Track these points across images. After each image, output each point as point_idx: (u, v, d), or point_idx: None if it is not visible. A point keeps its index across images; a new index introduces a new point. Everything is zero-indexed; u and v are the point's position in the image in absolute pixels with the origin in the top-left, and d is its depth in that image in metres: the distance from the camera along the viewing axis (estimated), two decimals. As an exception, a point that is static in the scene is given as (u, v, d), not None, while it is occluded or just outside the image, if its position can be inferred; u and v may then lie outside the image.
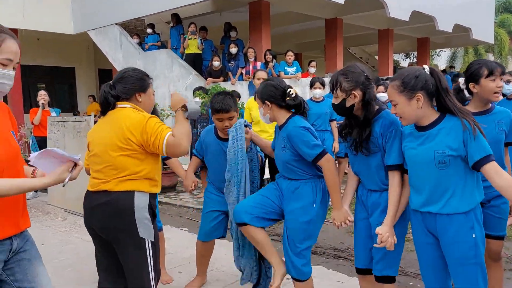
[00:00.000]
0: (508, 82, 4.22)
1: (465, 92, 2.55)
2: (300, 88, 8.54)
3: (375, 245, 2.18)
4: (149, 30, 10.74)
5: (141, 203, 2.21)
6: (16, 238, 1.74)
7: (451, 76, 10.31)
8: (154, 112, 2.77)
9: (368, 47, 18.43)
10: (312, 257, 3.85)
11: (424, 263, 2.16)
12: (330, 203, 2.56)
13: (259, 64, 8.48)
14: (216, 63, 8.58)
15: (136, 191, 2.21)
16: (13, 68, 1.66)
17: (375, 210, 2.31)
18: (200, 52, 9.40)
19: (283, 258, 2.67)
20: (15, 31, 10.42)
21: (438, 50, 22.29)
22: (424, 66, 2.07)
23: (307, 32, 14.29)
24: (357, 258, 2.45)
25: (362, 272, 2.44)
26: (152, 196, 2.32)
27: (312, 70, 8.64)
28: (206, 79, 8.81)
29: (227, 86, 7.87)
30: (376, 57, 17.23)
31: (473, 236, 1.97)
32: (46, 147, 2.54)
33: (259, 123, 4.81)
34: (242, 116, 5.36)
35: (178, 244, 4.34)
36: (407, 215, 2.27)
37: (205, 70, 9.18)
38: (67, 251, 4.27)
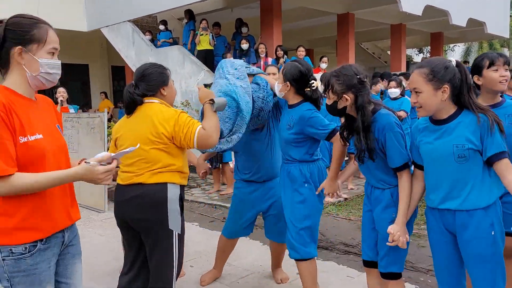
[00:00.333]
0: None
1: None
2: (311, 84, 8.53)
3: (387, 243, 2.18)
4: (161, 27, 10.80)
5: (173, 195, 2.30)
6: (67, 231, 1.75)
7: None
8: None
9: (380, 42, 18.24)
10: (322, 252, 3.91)
11: (439, 262, 2.12)
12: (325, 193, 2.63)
13: (270, 60, 8.47)
14: (229, 60, 8.62)
15: (169, 183, 2.29)
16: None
17: (377, 205, 2.31)
18: (212, 48, 9.41)
19: None
20: (30, 29, 10.58)
21: (452, 45, 21.97)
22: (451, 59, 2.02)
23: (318, 27, 14.21)
24: (363, 250, 2.47)
25: (367, 264, 2.44)
26: (182, 188, 2.40)
27: (323, 65, 8.60)
28: (217, 75, 8.85)
29: (238, 82, 7.88)
30: (389, 52, 17.07)
31: (492, 233, 1.93)
32: None
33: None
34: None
35: (190, 238, 4.37)
36: (414, 213, 2.26)
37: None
38: (82, 244, 4.32)
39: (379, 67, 16.97)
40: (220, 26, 9.83)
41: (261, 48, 8.44)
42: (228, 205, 5.72)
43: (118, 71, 14.89)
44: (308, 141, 2.66)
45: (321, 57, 8.75)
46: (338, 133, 2.49)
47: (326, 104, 2.34)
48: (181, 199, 2.38)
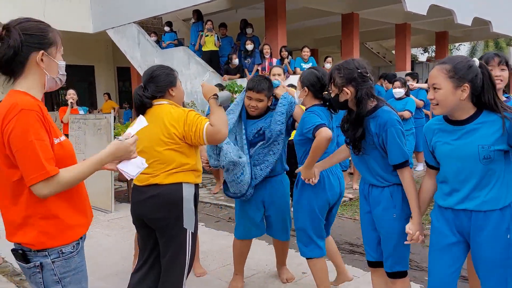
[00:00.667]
0: None
1: None
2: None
3: (406, 242, 2.19)
4: (166, 28, 10.86)
5: (188, 194, 2.37)
6: None
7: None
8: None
9: (385, 42, 18.22)
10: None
11: (437, 264, 2.08)
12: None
13: (274, 60, 8.49)
14: (236, 61, 8.67)
15: (184, 182, 2.36)
16: None
17: (376, 206, 2.31)
18: (217, 49, 9.46)
19: None
20: (36, 31, 10.68)
21: (457, 44, 21.88)
22: (475, 59, 1.97)
23: (322, 27, 14.21)
24: (366, 251, 2.48)
25: (372, 265, 2.46)
26: (196, 186, 2.46)
27: (328, 65, 8.60)
28: (222, 76, 8.89)
29: (244, 83, 7.92)
30: (393, 51, 17.03)
31: (508, 236, 1.89)
32: None
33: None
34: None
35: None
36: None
37: (223, 67, 9.25)
38: (89, 244, 4.33)
39: (383, 66, 16.95)
40: (226, 27, 9.87)
41: (266, 49, 8.46)
42: (233, 205, 5.76)
43: (124, 72, 15.00)
44: (309, 142, 2.67)
45: (326, 57, 8.76)
46: (322, 128, 2.51)
47: (331, 97, 2.39)
48: (196, 197, 2.44)
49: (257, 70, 8.64)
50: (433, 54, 19.70)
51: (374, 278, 2.52)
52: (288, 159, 3.42)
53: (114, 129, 5.89)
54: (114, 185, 5.86)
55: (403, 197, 2.23)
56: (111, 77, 15.65)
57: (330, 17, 11.99)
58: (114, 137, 5.61)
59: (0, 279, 3.05)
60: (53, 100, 14.00)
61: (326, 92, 2.64)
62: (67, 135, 6.87)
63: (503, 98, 2.55)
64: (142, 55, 10.72)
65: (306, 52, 8.49)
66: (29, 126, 1.50)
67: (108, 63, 15.34)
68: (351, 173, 6.51)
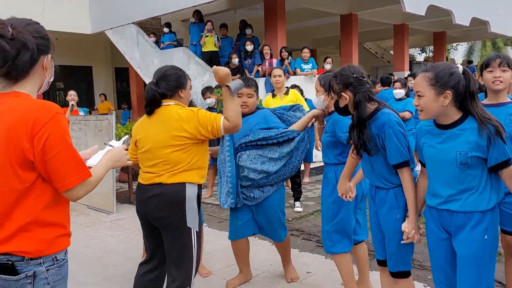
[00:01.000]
0: None
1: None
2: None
3: (402, 241, 2.24)
4: (165, 29, 10.86)
5: (191, 193, 2.40)
6: None
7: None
8: (190, 104, 2.93)
9: (383, 42, 18.29)
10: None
11: (435, 259, 2.15)
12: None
13: (274, 61, 8.52)
14: (235, 61, 8.69)
15: (187, 182, 2.39)
16: None
17: (381, 207, 2.35)
18: (217, 49, 9.47)
19: None
20: (35, 31, 10.66)
21: (454, 44, 21.98)
22: (458, 65, 2.03)
23: (321, 28, 14.26)
24: (375, 250, 2.53)
25: (381, 263, 2.50)
26: (199, 187, 2.49)
27: (327, 66, 8.64)
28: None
29: (244, 83, 7.93)
30: (391, 52, 17.09)
31: (485, 237, 1.96)
32: None
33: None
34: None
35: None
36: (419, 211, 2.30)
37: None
38: (93, 245, 4.41)
39: (381, 66, 17.00)
40: (227, 27, 9.88)
41: (266, 50, 8.48)
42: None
43: (122, 72, 14.98)
44: (340, 144, 2.75)
45: (325, 58, 8.79)
46: None
47: (333, 104, 2.49)
48: (199, 197, 2.47)
49: (258, 71, 8.67)
50: (431, 54, 19.77)
51: (383, 276, 2.56)
52: None
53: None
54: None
55: None
56: (109, 77, 15.64)
57: (329, 17, 12.04)
58: (115, 137, 5.63)
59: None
60: (51, 101, 13.96)
61: None
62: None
63: (507, 99, 2.58)
64: (141, 55, 10.73)
65: (306, 53, 8.52)
66: (65, 130, 1.51)
67: (106, 64, 15.33)
68: None
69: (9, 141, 1.47)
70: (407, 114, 5.99)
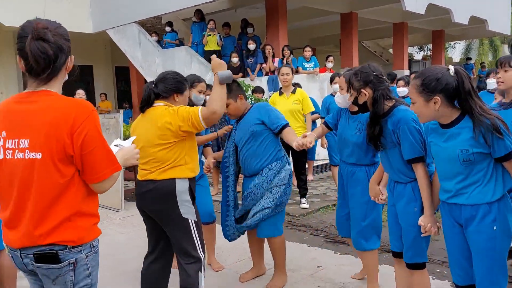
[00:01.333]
0: None
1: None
2: (318, 83, 8.65)
3: (422, 235, 2.31)
4: (167, 28, 10.90)
5: (181, 187, 2.54)
6: None
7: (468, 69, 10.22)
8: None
9: (381, 41, 18.38)
10: (341, 247, 4.03)
11: (451, 252, 2.22)
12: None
13: (276, 60, 8.57)
14: (235, 60, 8.72)
15: (177, 178, 2.53)
16: None
17: (399, 200, 2.44)
18: (219, 48, 9.51)
19: None
20: (36, 31, 10.69)
21: (452, 43, 22.10)
22: (450, 66, 2.07)
23: (320, 26, 14.32)
24: (391, 242, 2.62)
25: (396, 255, 2.59)
26: (191, 180, 2.61)
27: (329, 65, 8.72)
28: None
29: (247, 82, 8.00)
30: (390, 50, 17.19)
31: (494, 228, 2.01)
32: None
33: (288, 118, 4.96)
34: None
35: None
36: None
37: (225, 66, 9.31)
38: (105, 242, 4.42)
39: (381, 65, 17.07)
40: (230, 26, 9.92)
41: (268, 49, 8.53)
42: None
43: (122, 71, 15.01)
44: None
45: (327, 57, 8.87)
46: None
47: (352, 101, 2.55)
48: (191, 190, 2.60)
49: (260, 70, 8.72)
50: (429, 53, 19.88)
51: (397, 268, 2.64)
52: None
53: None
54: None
55: None
56: (110, 76, 15.65)
57: (329, 16, 12.10)
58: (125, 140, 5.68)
59: (20, 275, 3.16)
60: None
61: None
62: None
63: (499, 99, 2.72)
64: (143, 54, 10.76)
65: (308, 51, 8.57)
66: (99, 126, 1.62)
67: (106, 63, 15.34)
68: None
69: (49, 138, 1.54)
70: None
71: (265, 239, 3.33)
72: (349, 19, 11.42)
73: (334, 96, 5.88)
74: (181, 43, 10.96)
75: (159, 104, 2.60)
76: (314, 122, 5.75)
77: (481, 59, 21.01)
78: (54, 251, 1.58)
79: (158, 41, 10.92)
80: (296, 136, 3.02)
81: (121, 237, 4.60)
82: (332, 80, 5.86)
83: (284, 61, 8.39)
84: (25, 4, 10.05)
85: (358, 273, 3.39)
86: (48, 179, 1.56)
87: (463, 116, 2.04)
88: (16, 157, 1.57)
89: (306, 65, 8.54)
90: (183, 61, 9.75)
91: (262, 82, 8.35)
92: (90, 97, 15.34)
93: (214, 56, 2.61)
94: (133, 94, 13.58)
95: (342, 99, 2.86)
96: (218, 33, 9.53)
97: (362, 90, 2.42)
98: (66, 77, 1.73)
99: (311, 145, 2.83)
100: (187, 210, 2.56)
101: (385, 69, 12.01)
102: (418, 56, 22.51)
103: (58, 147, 1.55)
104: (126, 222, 5.16)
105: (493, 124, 1.93)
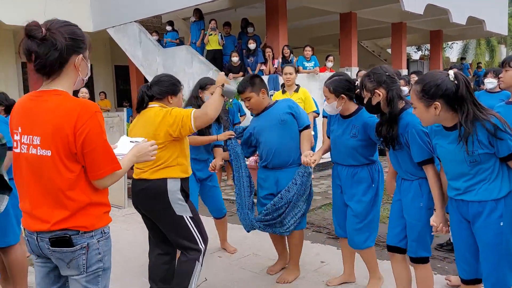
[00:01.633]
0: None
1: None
2: (318, 82, 8.72)
3: (433, 233, 2.38)
4: (168, 28, 10.94)
5: (172, 187, 2.63)
6: None
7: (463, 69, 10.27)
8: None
9: (379, 41, 18.45)
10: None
11: (458, 247, 2.28)
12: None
13: (276, 61, 8.62)
14: (235, 59, 8.78)
15: (168, 178, 2.63)
16: None
17: (406, 195, 2.52)
18: (221, 48, 9.57)
19: None
20: (37, 29, 10.73)
21: (450, 43, 22.22)
22: (449, 72, 2.10)
23: (320, 26, 14.37)
24: (388, 236, 2.68)
25: (391, 249, 2.66)
26: (184, 180, 2.71)
27: (329, 64, 8.80)
28: (226, 74, 9.01)
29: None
30: (388, 50, 17.28)
31: (501, 224, 2.06)
32: None
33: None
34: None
35: (212, 232, 4.55)
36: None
37: (225, 65, 9.38)
38: (111, 238, 4.52)
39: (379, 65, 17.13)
40: (230, 26, 9.97)
41: (268, 52, 8.56)
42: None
43: (122, 70, 15.03)
44: (372, 146, 2.90)
45: (327, 56, 8.94)
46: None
47: (365, 102, 2.57)
48: (183, 189, 2.69)
49: (261, 70, 8.78)
50: (427, 53, 19.99)
51: (393, 263, 2.72)
52: None
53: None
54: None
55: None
56: (109, 75, 15.67)
57: (327, 16, 12.16)
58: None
59: (30, 270, 3.21)
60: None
61: (358, 89, 2.79)
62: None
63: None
64: (143, 53, 10.81)
65: (308, 51, 8.63)
66: (101, 127, 1.70)
67: (106, 62, 15.35)
68: None
69: (55, 137, 1.66)
70: (410, 111, 6.14)
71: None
72: (349, 19, 11.49)
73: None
74: (181, 42, 11.00)
75: (154, 105, 2.71)
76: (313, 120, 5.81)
77: (478, 59, 21.17)
78: (68, 236, 1.70)
79: (159, 40, 10.96)
80: (309, 144, 3.12)
81: (127, 234, 4.66)
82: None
83: (289, 60, 8.44)
84: (26, 2, 10.07)
85: (337, 278, 3.33)
86: (59, 174, 1.68)
87: None
88: (30, 152, 1.70)
89: (306, 64, 8.61)
90: (184, 60, 9.80)
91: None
92: (90, 95, 15.36)
93: (222, 73, 2.76)
94: (132, 93, 13.59)
95: (331, 107, 2.89)
96: (220, 32, 9.58)
97: (376, 90, 2.46)
98: (82, 76, 1.78)
99: (313, 165, 2.94)
100: (181, 208, 2.66)
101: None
102: (416, 56, 22.61)
103: (64, 146, 1.66)
104: (130, 219, 5.23)
105: (494, 129, 1.97)
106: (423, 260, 2.54)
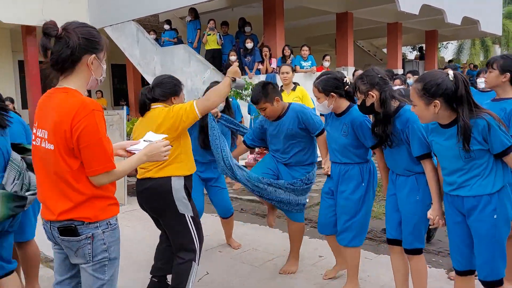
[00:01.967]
0: None
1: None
2: (315, 81, 8.80)
3: (430, 226, 2.47)
4: (166, 26, 10.98)
5: (177, 185, 2.69)
6: None
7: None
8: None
9: (375, 40, 18.58)
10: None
11: (453, 239, 2.36)
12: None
13: (274, 60, 8.71)
14: (233, 58, 8.85)
15: (173, 176, 2.69)
16: None
17: (402, 189, 2.61)
18: (220, 47, 9.63)
19: None
20: (34, 28, 10.73)
21: (445, 43, 22.39)
22: (449, 72, 2.17)
23: (316, 26, 14.46)
24: (387, 230, 2.78)
25: (391, 242, 2.75)
26: (187, 178, 2.77)
27: (326, 64, 8.88)
28: (224, 74, 9.08)
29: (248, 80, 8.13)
30: (384, 50, 17.39)
31: (495, 217, 2.14)
32: None
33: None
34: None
35: (212, 228, 4.63)
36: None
37: (224, 64, 9.44)
38: (112, 234, 4.60)
39: (375, 64, 17.28)
40: (228, 25, 10.04)
41: (265, 52, 8.63)
42: (244, 196, 6.00)
43: (118, 69, 15.06)
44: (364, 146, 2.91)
45: (324, 56, 9.03)
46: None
47: (357, 104, 2.65)
48: (187, 188, 2.76)
49: (258, 69, 8.86)
50: (418, 54, 20.09)
51: (392, 255, 2.81)
52: None
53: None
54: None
55: (426, 183, 2.51)
56: (106, 74, 15.61)
57: (324, 16, 12.25)
58: (127, 136, 5.80)
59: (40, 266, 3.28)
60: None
61: (348, 86, 2.88)
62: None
63: (506, 95, 2.83)
64: (141, 52, 10.85)
65: (305, 50, 8.71)
66: (98, 125, 1.76)
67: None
68: None
69: (56, 132, 1.76)
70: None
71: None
72: (345, 19, 11.59)
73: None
74: (179, 41, 11.06)
75: (157, 106, 2.77)
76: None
77: (473, 59, 21.38)
78: (73, 226, 1.79)
79: (157, 39, 11.00)
80: (325, 149, 3.17)
81: (128, 230, 4.73)
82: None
83: (288, 61, 8.52)
84: (24, 1, 10.09)
85: (332, 270, 3.41)
86: (62, 167, 1.77)
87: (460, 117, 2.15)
88: (41, 145, 1.81)
89: (304, 64, 8.70)
90: (182, 59, 9.86)
91: (260, 80, 8.48)
92: (88, 94, 15.36)
93: (236, 64, 2.84)
94: (129, 92, 13.64)
95: (322, 107, 2.92)
96: (218, 32, 9.64)
97: (370, 92, 2.55)
98: (96, 76, 1.85)
99: (327, 173, 3.06)
100: (184, 207, 2.72)
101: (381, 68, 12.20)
102: (411, 55, 22.75)
103: (62, 141, 1.75)
104: (131, 215, 5.29)
105: (489, 125, 2.06)
106: (417, 252, 2.64)
